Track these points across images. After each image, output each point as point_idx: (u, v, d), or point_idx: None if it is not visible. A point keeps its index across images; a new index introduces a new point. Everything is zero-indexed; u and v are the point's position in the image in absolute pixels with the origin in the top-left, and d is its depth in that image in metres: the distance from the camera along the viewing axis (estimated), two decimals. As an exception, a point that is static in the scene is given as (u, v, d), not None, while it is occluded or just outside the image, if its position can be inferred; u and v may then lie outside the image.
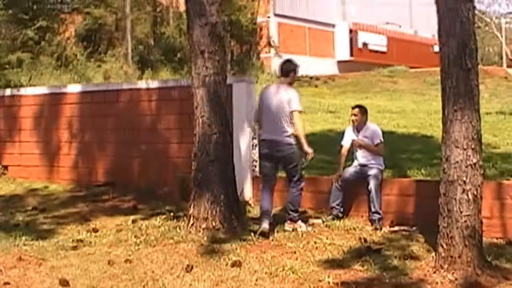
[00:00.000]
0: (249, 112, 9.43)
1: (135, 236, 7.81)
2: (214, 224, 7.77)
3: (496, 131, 15.41)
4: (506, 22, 46.60)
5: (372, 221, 8.29)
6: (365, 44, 38.63)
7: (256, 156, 9.50)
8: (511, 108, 20.89)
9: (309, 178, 9.20)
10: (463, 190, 6.16)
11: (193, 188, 8.00)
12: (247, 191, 9.46)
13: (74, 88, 11.92)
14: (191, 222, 7.88)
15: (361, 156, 8.62)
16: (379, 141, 8.57)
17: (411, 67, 35.19)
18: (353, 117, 8.73)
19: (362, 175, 8.49)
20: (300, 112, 7.92)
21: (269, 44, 33.89)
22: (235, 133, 9.46)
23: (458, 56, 6.17)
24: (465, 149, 6.14)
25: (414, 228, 8.05)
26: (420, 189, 8.32)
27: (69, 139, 11.53)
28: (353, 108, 8.85)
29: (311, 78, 30.74)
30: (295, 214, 8.06)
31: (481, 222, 6.34)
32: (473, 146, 6.16)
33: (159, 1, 33.54)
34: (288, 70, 8.16)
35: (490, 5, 58.51)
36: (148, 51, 29.74)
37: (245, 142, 9.46)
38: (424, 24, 44.58)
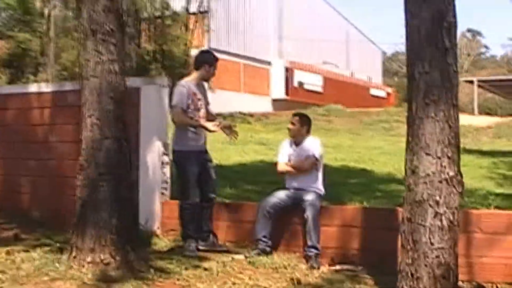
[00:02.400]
0: (160, 121, 7.56)
1: (2, 272, 5.93)
2: (102, 257, 5.80)
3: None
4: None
5: (307, 258, 6.48)
6: (301, 83, 37.48)
7: (167, 176, 7.60)
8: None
9: (230, 204, 7.41)
10: (436, 214, 4.42)
11: (77, 210, 6.02)
12: (155, 219, 7.51)
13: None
14: (74, 254, 5.90)
15: (295, 178, 6.84)
16: (311, 154, 6.85)
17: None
18: (290, 126, 7.01)
19: (296, 201, 6.71)
20: (173, 107, 6.90)
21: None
22: (142, 146, 7.57)
23: (432, 32, 4.46)
24: (439, 158, 4.42)
25: (360, 267, 6.38)
26: (368, 219, 6.61)
27: None
28: (292, 115, 7.16)
29: (244, 114, 29.50)
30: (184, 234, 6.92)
31: (457, 258, 4.60)
32: (449, 154, 4.45)
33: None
34: (200, 62, 7.05)
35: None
36: (72, 78, 27.64)
37: (153, 158, 7.54)
38: (360, 66, 44.10)
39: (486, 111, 43.89)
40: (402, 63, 60.34)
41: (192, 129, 6.89)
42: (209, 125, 6.85)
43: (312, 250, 6.44)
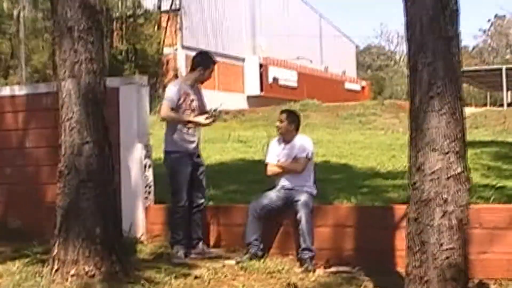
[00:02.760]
0: (141, 122, 7.22)
1: (-23, 289, 5.55)
2: (87, 269, 5.44)
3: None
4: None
5: (302, 261, 6.18)
6: (275, 79, 37.17)
7: (150, 180, 7.26)
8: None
9: (218, 207, 7.09)
10: (444, 213, 4.14)
11: (58, 219, 5.65)
12: (139, 225, 7.16)
13: None
14: (56, 266, 5.53)
15: (286, 178, 6.52)
16: (304, 155, 6.52)
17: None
18: (278, 123, 6.68)
19: (287, 201, 6.40)
20: (164, 104, 6.59)
21: (176, 76, 31.74)
22: (123, 149, 7.21)
23: (435, 19, 4.17)
24: (446, 153, 4.13)
25: (356, 268, 6.07)
26: (363, 217, 6.34)
27: None
28: (280, 112, 6.80)
29: (220, 112, 28.89)
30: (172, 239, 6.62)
31: (466, 258, 4.33)
32: (457, 149, 4.16)
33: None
34: (196, 64, 6.76)
35: (399, 44, 58.62)
36: (44, 81, 27.06)
37: (135, 162, 7.19)
38: (334, 61, 43.92)
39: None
40: (375, 56, 60.46)
41: (184, 130, 6.57)
42: (201, 118, 6.55)
43: (307, 252, 6.13)
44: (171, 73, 31.94)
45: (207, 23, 34.02)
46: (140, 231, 7.13)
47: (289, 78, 38.39)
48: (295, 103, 30.98)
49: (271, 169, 6.64)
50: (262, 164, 12.77)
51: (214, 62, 6.83)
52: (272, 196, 6.48)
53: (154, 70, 30.03)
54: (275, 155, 6.65)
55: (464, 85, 35.31)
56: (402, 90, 53.69)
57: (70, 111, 5.56)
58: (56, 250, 5.56)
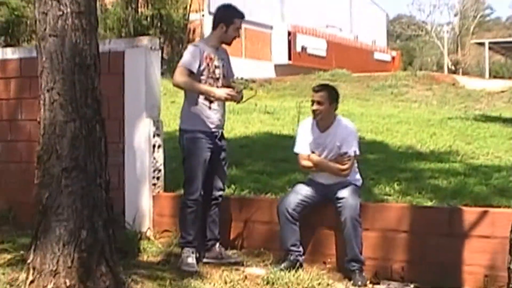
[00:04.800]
0: (150, 93, 5.89)
1: None
2: (68, 283, 4.14)
3: (467, 138, 12.40)
4: (447, 31, 44.36)
5: (352, 273, 4.84)
6: (304, 48, 35.52)
7: (159, 163, 5.95)
8: (472, 114, 17.89)
9: (239, 199, 5.75)
10: None
11: (36, 218, 4.37)
12: (144, 217, 5.87)
13: None
14: (31, 278, 4.24)
15: (324, 174, 5.15)
16: (351, 152, 5.06)
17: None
18: (315, 106, 5.16)
19: (327, 197, 5.03)
20: (180, 67, 5.17)
21: (203, 43, 30.42)
22: (128, 126, 5.92)
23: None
24: None
25: (412, 285, 4.75)
26: (420, 220, 4.95)
27: None
28: (315, 90, 5.26)
29: (246, 80, 27.52)
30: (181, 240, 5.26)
31: None
32: None
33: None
34: (216, 20, 5.35)
35: (431, 13, 56.12)
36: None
37: (142, 141, 5.87)
38: (364, 29, 42.25)
39: (493, 74, 42.00)
40: (405, 26, 58.30)
41: (206, 103, 5.17)
42: (217, 91, 5.12)
43: (354, 264, 4.79)
44: (197, 40, 30.55)
45: (235, -12, 32.50)
46: (146, 224, 5.85)
47: (318, 46, 36.68)
48: (324, 73, 29.53)
49: (305, 163, 5.18)
50: (290, 140, 11.51)
51: (239, 16, 5.36)
52: (307, 191, 5.09)
53: (180, 36, 28.60)
54: (308, 144, 5.19)
55: (498, 57, 33.52)
56: (432, 61, 51.68)
57: (51, 80, 4.24)
58: (32, 257, 4.27)
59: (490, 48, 36.28)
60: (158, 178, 5.94)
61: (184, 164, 5.19)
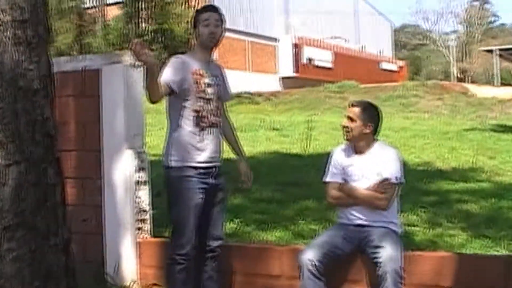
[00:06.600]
0: (131, 118, 4.81)
1: None
2: None
3: (489, 152, 11.40)
4: (453, 39, 43.36)
5: None
6: (310, 60, 34.57)
7: (145, 203, 4.85)
8: (489, 124, 16.84)
9: (243, 247, 4.64)
10: None
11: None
12: (127, 268, 4.77)
13: None
14: None
15: (357, 209, 4.05)
16: (393, 178, 3.99)
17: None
18: (345, 122, 4.11)
19: (360, 245, 3.93)
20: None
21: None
22: (106, 158, 4.83)
23: None
24: None
25: None
26: (475, 273, 3.81)
27: None
28: (350, 105, 4.20)
29: (252, 94, 26.87)
30: None
31: None
32: None
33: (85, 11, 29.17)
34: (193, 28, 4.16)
35: (436, 23, 54.93)
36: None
37: (122, 175, 4.78)
38: (370, 40, 41.38)
39: (501, 81, 40.94)
40: (410, 35, 57.27)
41: (195, 130, 3.97)
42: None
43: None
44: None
45: (238, 1, 31.53)
46: (130, 277, 4.74)
47: (324, 58, 35.75)
48: (332, 85, 28.58)
49: (335, 194, 4.13)
50: (299, 159, 10.38)
51: (204, 10, 4.10)
52: (337, 238, 3.96)
53: (183, 51, 27.73)
54: (339, 172, 4.16)
55: (505, 64, 32.40)
56: (438, 70, 50.56)
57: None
58: None
59: (499, 55, 35.28)
60: (143, 221, 4.82)
61: (171, 211, 4.02)
